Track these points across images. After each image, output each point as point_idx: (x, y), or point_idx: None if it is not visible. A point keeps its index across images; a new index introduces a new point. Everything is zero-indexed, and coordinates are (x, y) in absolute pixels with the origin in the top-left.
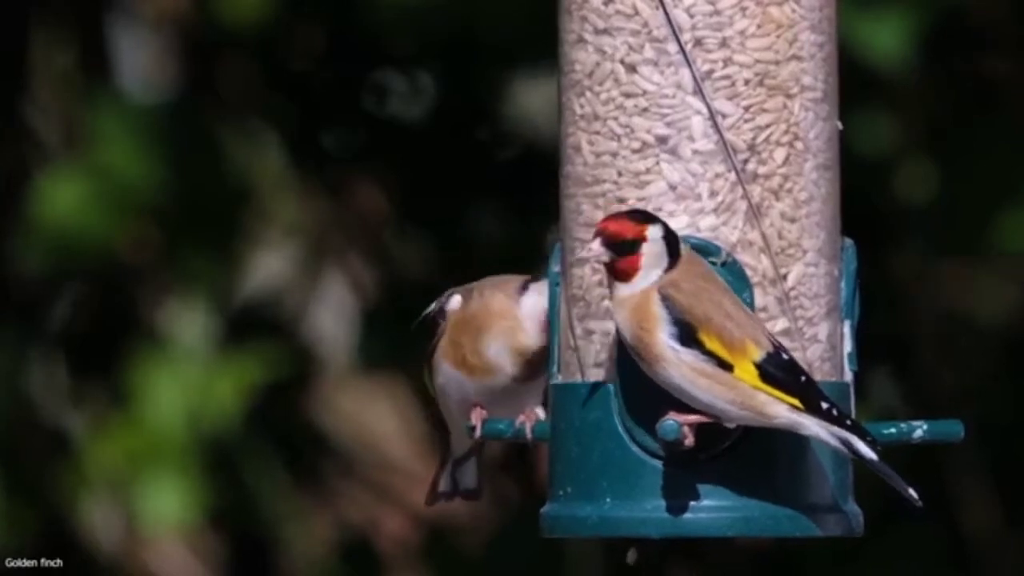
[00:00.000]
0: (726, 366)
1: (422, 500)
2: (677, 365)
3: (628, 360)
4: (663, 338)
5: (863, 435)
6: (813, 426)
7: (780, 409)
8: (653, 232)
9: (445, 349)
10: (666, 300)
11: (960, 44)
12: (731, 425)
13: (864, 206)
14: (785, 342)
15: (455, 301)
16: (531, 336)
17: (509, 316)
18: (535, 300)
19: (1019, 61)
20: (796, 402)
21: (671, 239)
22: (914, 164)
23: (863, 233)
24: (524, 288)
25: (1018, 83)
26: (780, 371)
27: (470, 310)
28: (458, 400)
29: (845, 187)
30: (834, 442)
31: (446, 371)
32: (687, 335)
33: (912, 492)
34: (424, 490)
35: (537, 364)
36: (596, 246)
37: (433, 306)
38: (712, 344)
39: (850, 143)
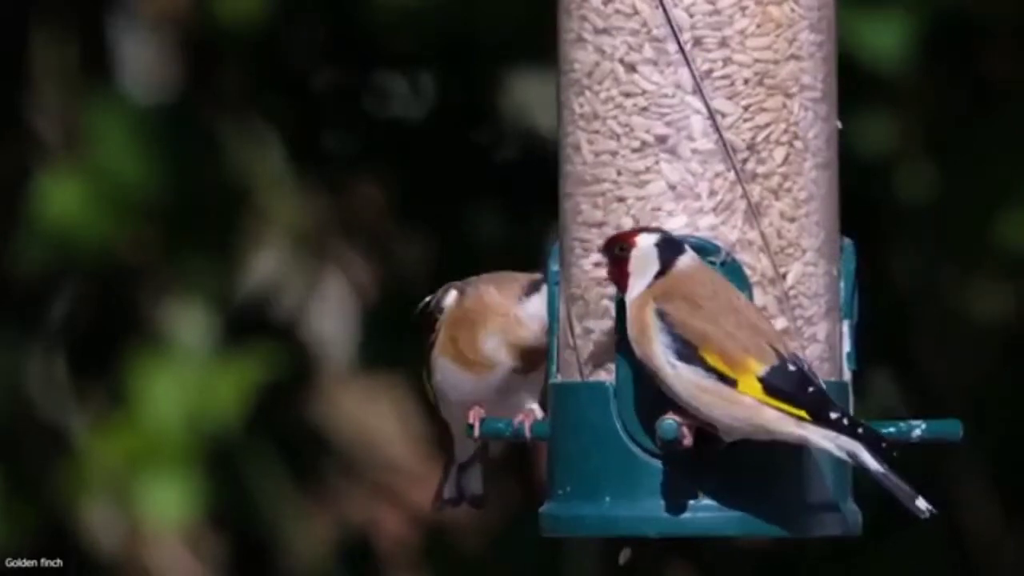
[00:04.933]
0: (729, 381)
1: (422, 500)
2: (677, 380)
3: (627, 359)
4: (661, 354)
5: (875, 443)
6: (820, 440)
7: (788, 425)
8: (644, 240)
9: (443, 345)
10: (662, 315)
11: (960, 44)
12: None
13: (864, 206)
14: (795, 355)
15: (451, 296)
16: (530, 332)
17: (505, 311)
18: (540, 303)
19: (1019, 61)
20: (803, 414)
21: (667, 249)
22: (914, 164)
23: (863, 233)
24: (532, 288)
25: (1018, 83)
26: (786, 383)
27: (465, 305)
28: (456, 399)
29: (845, 187)
30: (842, 455)
31: (443, 367)
32: (687, 352)
33: (920, 503)
34: (425, 490)
35: (534, 358)
36: (594, 254)
37: (430, 300)
38: (714, 361)
39: (850, 143)
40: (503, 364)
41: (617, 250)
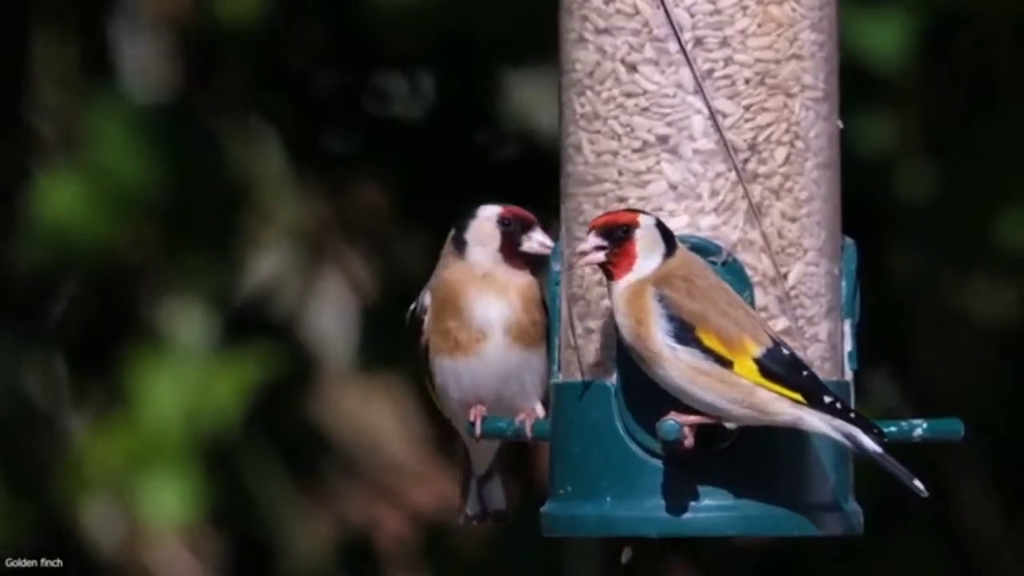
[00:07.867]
0: (725, 363)
1: (422, 500)
2: (675, 363)
3: (629, 359)
4: (660, 336)
5: (868, 428)
6: (816, 421)
7: (783, 405)
8: (645, 220)
9: (436, 344)
10: (661, 297)
11: (960, 44)
12: (731, 425)
13: (864, 206)
14: (786, 341)
15: (427, 296)
16: (489, 263)
17: (467, 274)
18: (475, 248)
19: (1019, 61)
20: (798, 396)
21: (665, 229)
22: (914, 164)
23: (863, 233)
24: (456, 242)
25: (1018, 83)
26: (781, 366)
27: (438, 297)
28: (459, 397)
29: (845, 187)
30: (837, 436)
31: (440, 365)
32: (684, 333)
33: (917, 483)
34: (425, 490)
35: (525, 326)
36: (591, 238)
37: (414, 307)
38: (710, 341)
39: (850, 143)
40: (497, 326)
41: (621, 232)
